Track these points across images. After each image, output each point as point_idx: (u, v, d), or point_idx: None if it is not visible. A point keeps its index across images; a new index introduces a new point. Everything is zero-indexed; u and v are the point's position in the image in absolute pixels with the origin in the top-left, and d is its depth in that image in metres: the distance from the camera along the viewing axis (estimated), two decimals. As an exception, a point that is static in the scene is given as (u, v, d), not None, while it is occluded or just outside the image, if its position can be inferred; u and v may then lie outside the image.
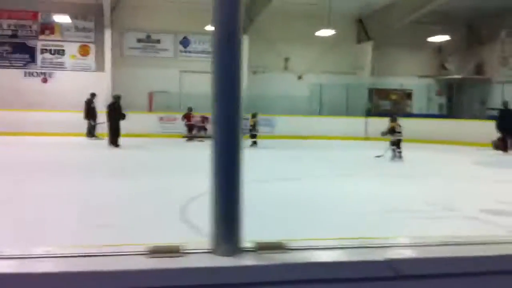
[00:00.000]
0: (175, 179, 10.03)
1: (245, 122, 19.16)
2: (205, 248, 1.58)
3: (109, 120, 16.70)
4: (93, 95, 19.50)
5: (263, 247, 1.59)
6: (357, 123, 23.07)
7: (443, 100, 26.96)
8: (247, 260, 1.53)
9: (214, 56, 1.58)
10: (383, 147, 14.32)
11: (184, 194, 7.86)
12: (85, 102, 19.58)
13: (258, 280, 1.49)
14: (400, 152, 14.25)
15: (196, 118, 20.77)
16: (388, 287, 1.53)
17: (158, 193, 8.47)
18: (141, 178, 10.11)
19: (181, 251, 1.55)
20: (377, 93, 25.53)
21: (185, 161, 14.01)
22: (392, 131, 14.54)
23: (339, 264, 1.54)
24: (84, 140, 19.14)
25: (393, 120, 14.87)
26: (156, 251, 1.54)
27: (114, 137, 16.59)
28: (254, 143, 18.44)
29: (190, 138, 20.56)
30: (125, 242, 2.67)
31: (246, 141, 18.50)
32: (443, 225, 6.58)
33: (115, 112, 16.61)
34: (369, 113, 24.09)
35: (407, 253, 1.63)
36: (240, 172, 1.60)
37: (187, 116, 20.87)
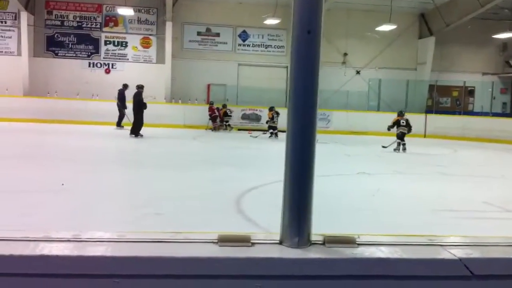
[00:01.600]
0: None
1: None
2: (274, 239, 1.59)
3: (133, 110, 16.58)
4: (125, 86, 19.17)
5: (331, 241, 1.58)
6: (416, 120, 22.37)
7: (507, 98, 25.98)
8: (315, 253, 1.52)
9: (293, 51, 1.56)
10: (444, 144, 14.07)
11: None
12: (118, 92, 19.29)
13: (325, 274, 1.48)
14: (404, 145, 14.98)
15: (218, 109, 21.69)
16: (462, 286, 1.50)
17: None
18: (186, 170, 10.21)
19: (251, 240, 1.56)
20: (438, 90, 24.81)
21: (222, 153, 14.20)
22: (397, 124, 15.30)
23: (411, 261, 1.51)
24: (115, 129, 19.15)
25: (400, 114, 15.66)
26: (226, 240, 1.55)
27: (136, 127, 16.43)
28: (273, 134, 19.00)
29: (214, 128, 21.41)
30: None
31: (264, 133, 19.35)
32: (503, 225, 6.35)
33: (139, 103, 16.51)
34: (429, 109, 23.50)
35: (478, 253, 1.58)
36: (314, 165, 1.59)
37: (210, 109, 21.49)
